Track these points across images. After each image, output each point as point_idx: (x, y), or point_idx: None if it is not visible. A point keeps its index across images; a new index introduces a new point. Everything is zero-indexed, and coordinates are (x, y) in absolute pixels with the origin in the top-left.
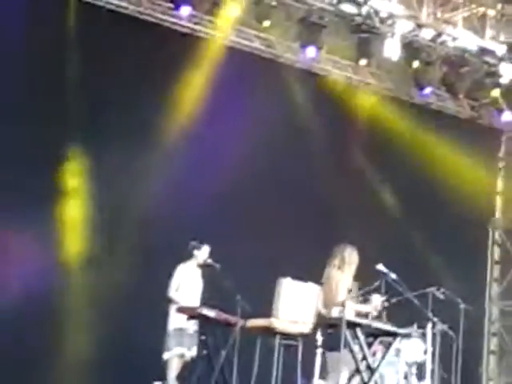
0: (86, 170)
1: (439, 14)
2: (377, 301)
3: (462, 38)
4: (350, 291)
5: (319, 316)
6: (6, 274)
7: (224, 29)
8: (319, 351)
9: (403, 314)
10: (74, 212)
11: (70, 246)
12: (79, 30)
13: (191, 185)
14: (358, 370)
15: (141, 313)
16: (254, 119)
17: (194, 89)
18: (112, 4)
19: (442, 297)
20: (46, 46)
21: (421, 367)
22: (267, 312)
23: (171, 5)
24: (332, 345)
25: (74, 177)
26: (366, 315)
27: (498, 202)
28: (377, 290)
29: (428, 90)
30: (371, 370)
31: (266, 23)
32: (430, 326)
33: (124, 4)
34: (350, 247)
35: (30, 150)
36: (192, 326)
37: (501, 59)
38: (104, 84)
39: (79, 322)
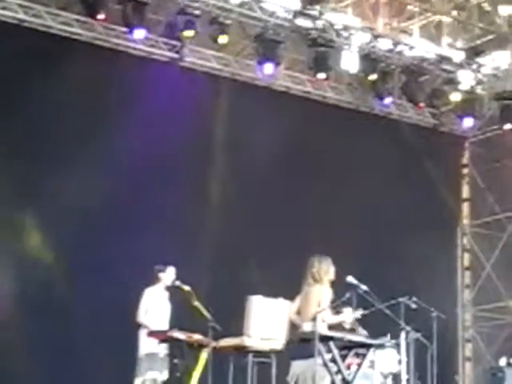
0: None
1: (395, 24)
2: (348, 314)
3: (419, 46)
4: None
5: (292, 330)
6: None
7: (180, 50)
8: None
9: (376, 325)
10: None
11: None
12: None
13: None
14: None
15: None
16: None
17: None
18: (66, 31)
19: (413, 306)
20: None
21: (396, 378)
22: (238, 331)
23: (125, 29)
24: (299, 354)
25: None
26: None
27: (465, 208)
28: (348, 303)
29: (388, 101)
30: (347, 383)
31: (222, 42)
32: (403, 335)
33: (78, 31)
34: (323, 258)
35: None
36: (163, 349)
37: (459, 66)
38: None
39: None
